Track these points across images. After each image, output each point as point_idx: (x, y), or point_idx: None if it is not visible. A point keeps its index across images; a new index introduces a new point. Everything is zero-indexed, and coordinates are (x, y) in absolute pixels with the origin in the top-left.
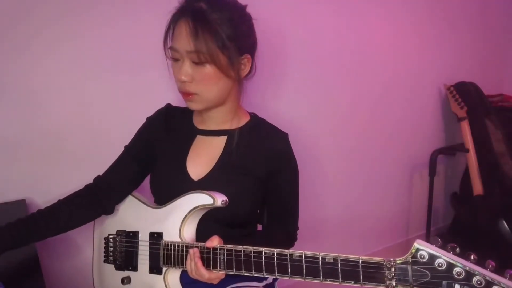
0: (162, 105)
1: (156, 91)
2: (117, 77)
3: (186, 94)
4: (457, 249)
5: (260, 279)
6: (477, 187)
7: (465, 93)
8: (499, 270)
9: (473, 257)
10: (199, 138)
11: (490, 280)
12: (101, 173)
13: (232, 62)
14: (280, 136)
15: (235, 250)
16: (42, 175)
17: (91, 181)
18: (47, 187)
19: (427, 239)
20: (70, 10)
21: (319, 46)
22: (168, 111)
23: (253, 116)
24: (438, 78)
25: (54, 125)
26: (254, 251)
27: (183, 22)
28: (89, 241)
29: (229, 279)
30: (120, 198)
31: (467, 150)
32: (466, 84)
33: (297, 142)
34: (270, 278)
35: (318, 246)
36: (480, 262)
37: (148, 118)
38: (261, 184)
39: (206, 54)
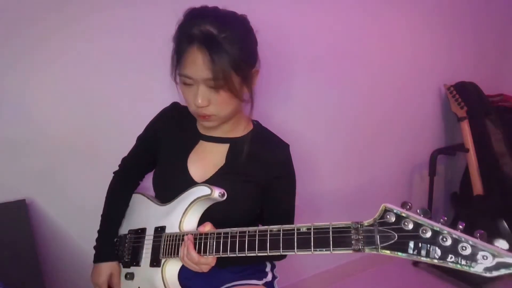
0: (163, 105)
1: (158, 92)
2: (118, 77)
3: (203, 116)
4: (428, 214)
5: (259, 277)
6: (477, 187)
7: (465, 93)
8: (469, 231)
9: (442, 219)
10: (202, 143)
11: (457, 238)
12: (103, 171)
13: (246, 80)
14: (281, 146)
15: (223, 233)
16: (42, 175)
17: (94, 180)
18: (47, 187)
19: None
20: (73, 11)
21: (316, 47)
22: (178, 108)
23: (256, 125)
24: (438, 78)
25: (55, 125)
26: (239, 232)
27: (197, 50)
28: (88, 241)
29: (228, 277)
30: (143, 175)
31: (467, 150)
32: (466, 84)
33: (294, 144)
34: (269, 276)
35: (315, 258)
36: (450, 225)
37: (163, 110)
38: (262, 191)
39: (222, 80)
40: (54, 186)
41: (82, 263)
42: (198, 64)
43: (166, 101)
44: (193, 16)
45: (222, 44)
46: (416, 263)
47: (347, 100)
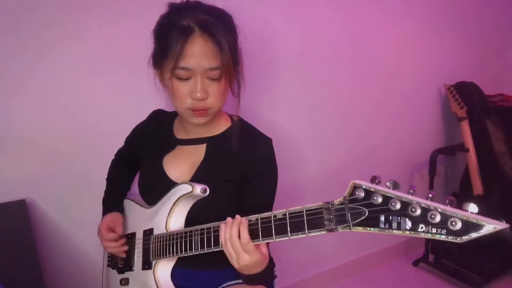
0: (159, 105)
1: (156, 92)
2: (117, 76)
3: (199, 111)
4: (398, 186)
5: None
6: (477, 187)
7: (465, 93)
8: (442, 202)
9: (412, 190)
10: (179, 148)
11: (425, 207)
12: (103, 171)
13: (240, 68)
14: (262, 142)
15: (213, 227)
16: (42, 175)
17: (92, 180)
18: (47, 187)
19: (427, 240)
20: (71, 10)
21: (315, 46)
22: (153, 119)
23: (235, 121)
24: (438, 78)
25: (54, 125)
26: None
27: (199, 38)
28: (88, 242)
29: (225, 276)
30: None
31: (467, 150)
32: (466, 84)
33: (291, 143)
34: None
35: (316, 258)
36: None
37: (138, 125)
38: (243, 187)
39: (227, 68)
40: (54, 186)
41: (82, 263)
42: (204, 52)
43: (163, 100)
44: (181, 9)
45: (222, 32)
46: (416, 263)
47: (345, 100)
